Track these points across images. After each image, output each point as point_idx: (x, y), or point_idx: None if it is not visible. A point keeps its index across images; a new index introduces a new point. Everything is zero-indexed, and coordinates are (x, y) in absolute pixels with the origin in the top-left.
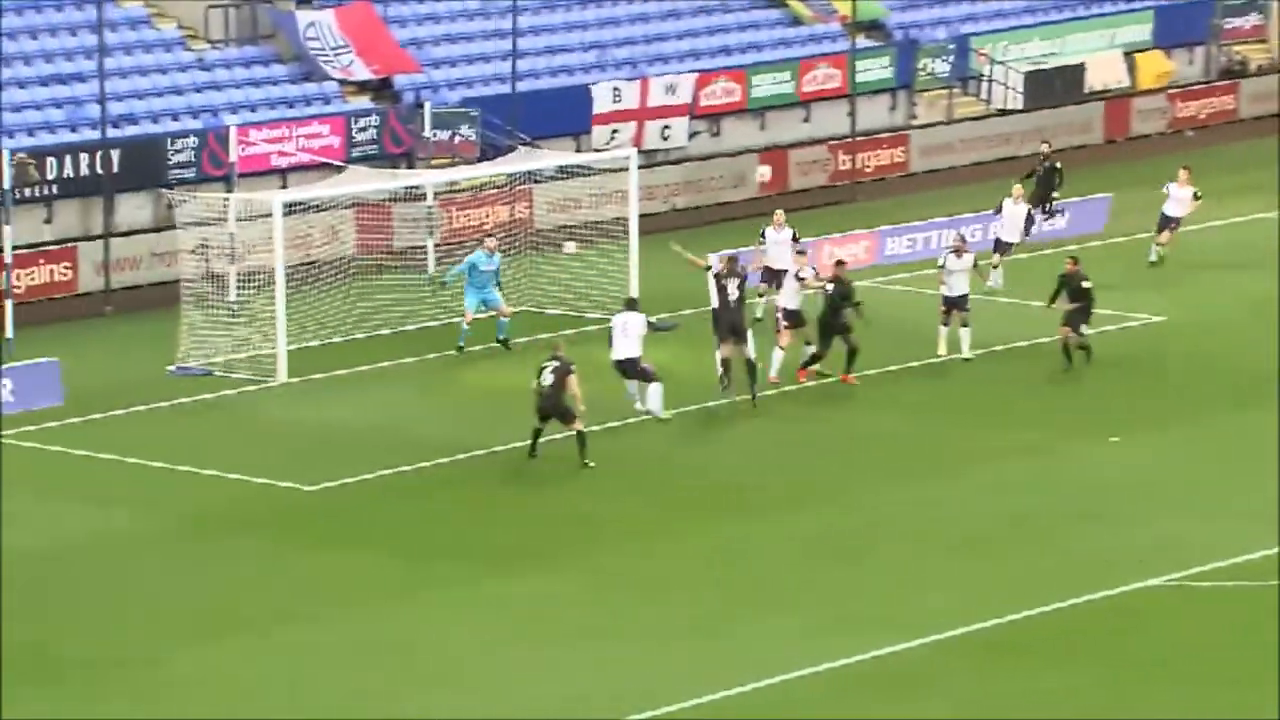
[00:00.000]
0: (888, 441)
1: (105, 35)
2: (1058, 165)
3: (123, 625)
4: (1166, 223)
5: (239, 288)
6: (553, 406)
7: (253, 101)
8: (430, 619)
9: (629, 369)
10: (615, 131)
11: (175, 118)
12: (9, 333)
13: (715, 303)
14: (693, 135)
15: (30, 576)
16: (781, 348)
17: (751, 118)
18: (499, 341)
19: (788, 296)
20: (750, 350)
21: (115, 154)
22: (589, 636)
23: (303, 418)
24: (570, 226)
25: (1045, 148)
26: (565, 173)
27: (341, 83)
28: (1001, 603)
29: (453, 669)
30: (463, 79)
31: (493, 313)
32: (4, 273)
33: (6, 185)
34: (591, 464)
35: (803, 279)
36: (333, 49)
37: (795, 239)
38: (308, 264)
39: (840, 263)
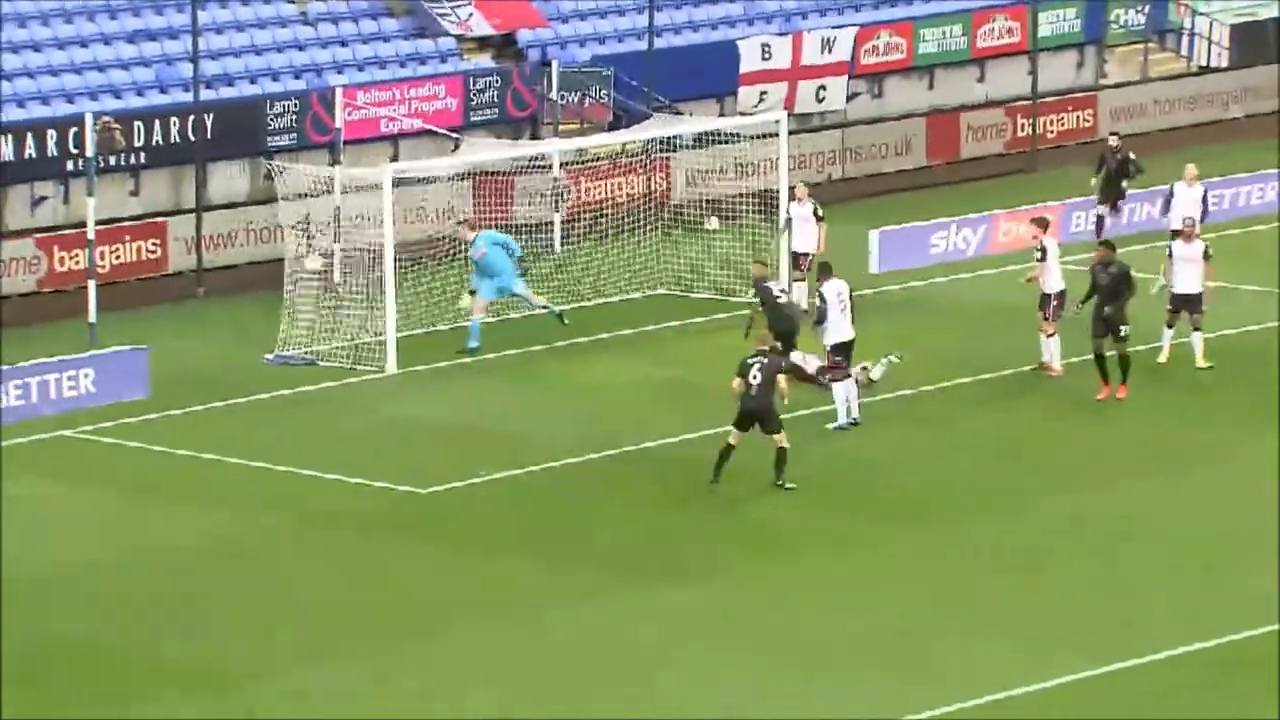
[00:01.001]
0: (1085, 445)
1: None
2: (1131, 157)
3: (226, 634)
4: None
5: (344, 268)
6: (762, 409)
7: (360, 60)
8: (560, 632)
9: (849, 354)
10: (764, 93)
11: (275, 78)
12: (92, 317)
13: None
14: (851, 97)
15: (124, 584)
16: (1049, 335)
17: (918, 77)
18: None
19: (1054, 280)
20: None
21: (209, 119)
22: (776, 653)
23: (413, 414)
24: (713, 199)
25: (1114, 140)
26: (708, 139)
27: (459, 39)
28: (1222, 621)
29: (607, 684)
30: (594, 35)
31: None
32: (87, 250)
33: (90, 153)
34: (792, 485)
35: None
36: (450, 2)
37: (819, 217)
38: (420, 241)
39: (1107, 244)
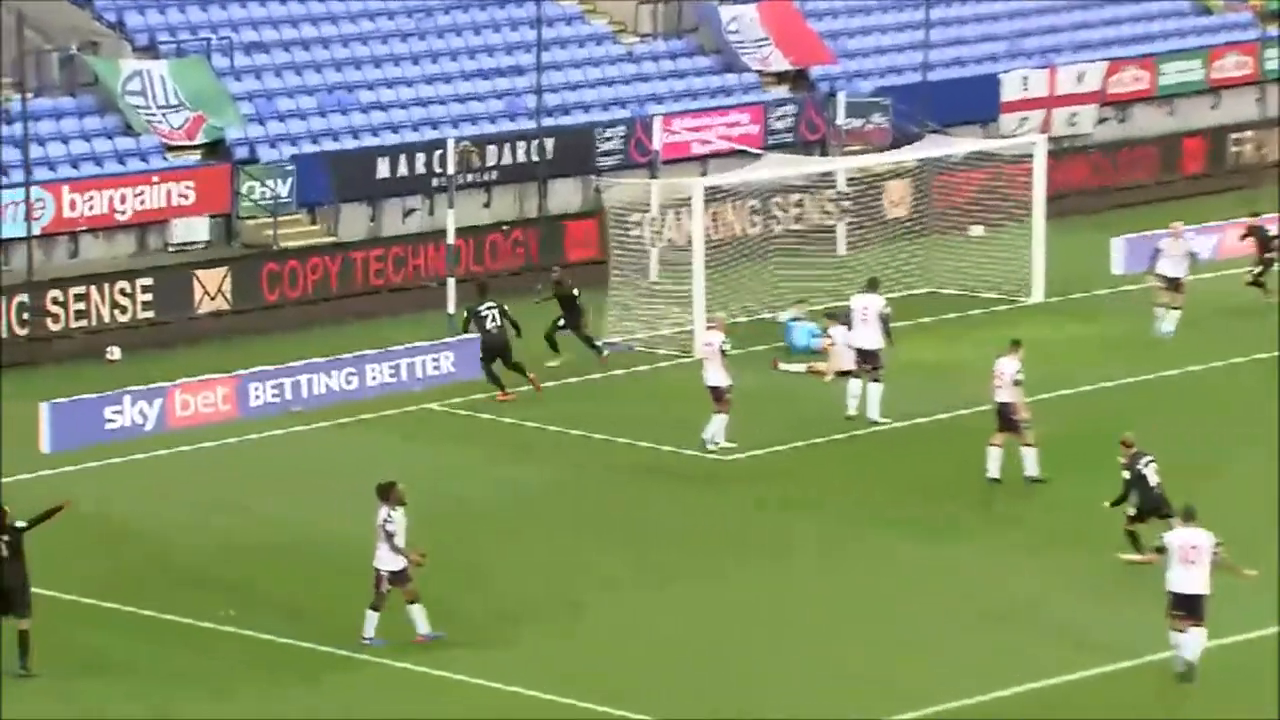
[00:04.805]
0: None
1: (542, 30)
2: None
3: (547, 575)
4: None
5: (661, 268)
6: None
7: (676, 92)
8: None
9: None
10: (1024, 118)
11: (605, 108)
12: (450, 308)
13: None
14: (1100, 122)
15: (461, 529)
16: None
17: (1159, 104)
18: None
19: None
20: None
21: (550, 142)
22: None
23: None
24: (976, 210)
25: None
26: (973, 159)
27: (760, 74)
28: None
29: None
30: (875, 69)
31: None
32: (446, 253)
33: (451, 171)
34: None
35: None
36: (753, 41)
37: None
38: (725, 244)
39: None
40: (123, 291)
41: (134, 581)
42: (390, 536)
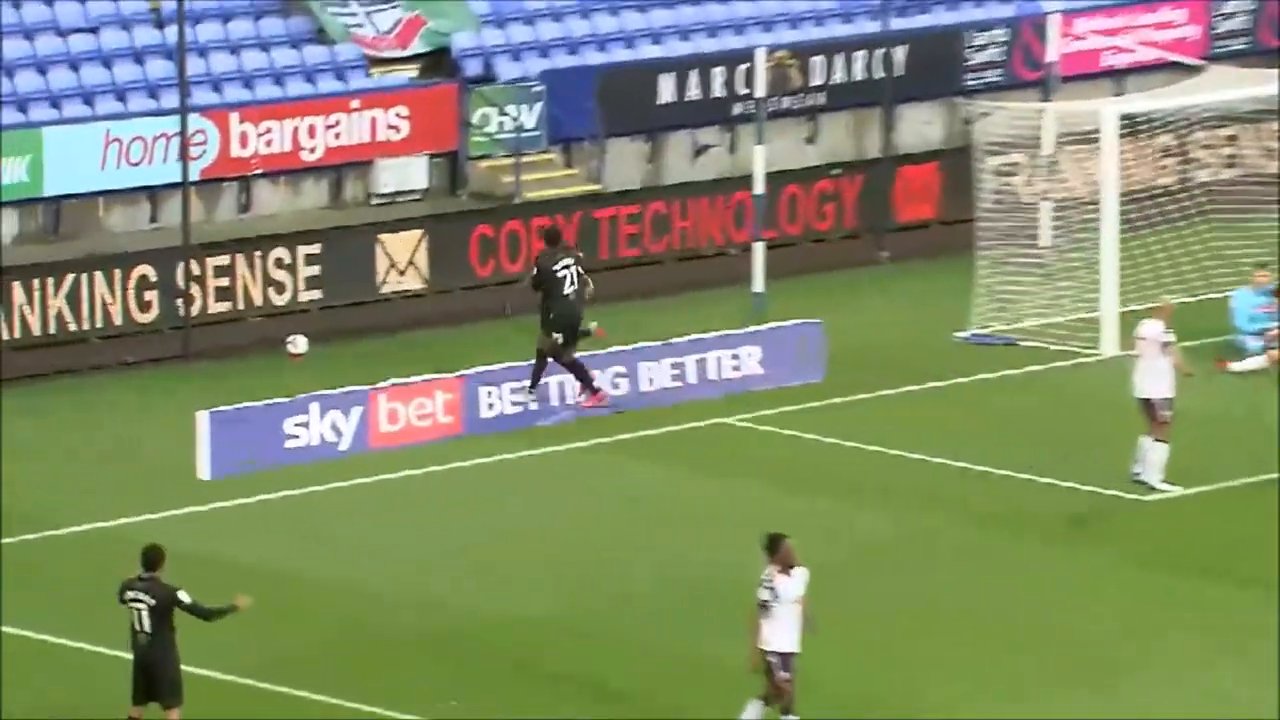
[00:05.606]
0: None
1: None
2: None
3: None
4: None
5: (1055, 230)
6: None
7: None
8: None
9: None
10: None
11: (978, 3)
12: (758, 285)
13: None
14: None
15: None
16: None
17: None
18: None
19: None
20: None
21: (899, 52)
22: None
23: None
24: None
25: None
26: None
27: None
28: None
29: None
30: None
31: None
32: (755, 207)
33: (761, 93)
34: None
35: None
36: None
37: None
38: (1149, 197)
39: None
40: (279, 263)
41: (319, 659)
42: (765, 607)
